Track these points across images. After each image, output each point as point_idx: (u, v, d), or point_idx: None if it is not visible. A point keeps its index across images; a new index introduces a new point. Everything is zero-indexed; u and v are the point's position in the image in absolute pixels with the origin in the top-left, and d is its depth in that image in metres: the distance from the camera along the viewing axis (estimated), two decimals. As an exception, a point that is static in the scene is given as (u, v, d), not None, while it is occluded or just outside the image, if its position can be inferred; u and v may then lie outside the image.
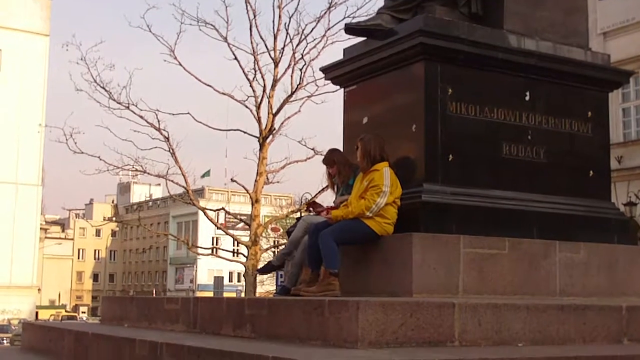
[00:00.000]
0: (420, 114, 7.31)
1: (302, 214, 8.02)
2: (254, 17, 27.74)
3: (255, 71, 27.86)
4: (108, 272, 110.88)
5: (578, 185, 8.03)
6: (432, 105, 7.30)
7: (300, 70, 27.98)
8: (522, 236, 7.24)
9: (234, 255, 34.61)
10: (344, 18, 26.31)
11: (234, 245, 37.35)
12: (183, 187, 28.87)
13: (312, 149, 28.15)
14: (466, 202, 7.23)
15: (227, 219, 46.83)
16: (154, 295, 69.39)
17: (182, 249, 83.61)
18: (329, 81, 9.05)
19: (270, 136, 27.81)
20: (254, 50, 27.78)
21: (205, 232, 77.19)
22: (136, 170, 29.86)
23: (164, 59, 28.36)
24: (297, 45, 27.98)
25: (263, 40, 28.05)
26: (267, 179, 28.31)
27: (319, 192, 27.43)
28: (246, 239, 29.45)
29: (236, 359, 4.78)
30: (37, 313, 56.57)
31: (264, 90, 27.90)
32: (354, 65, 8.12)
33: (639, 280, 7.77)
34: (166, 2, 32.67)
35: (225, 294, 38.76)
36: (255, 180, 27.87)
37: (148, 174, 29.23)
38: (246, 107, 28.02)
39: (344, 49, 8.46)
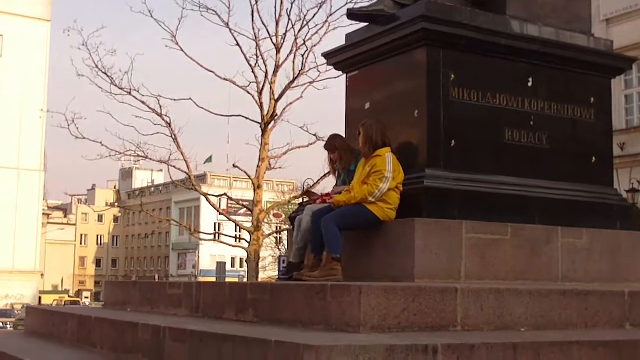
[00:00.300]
0: (423, 100, 7.30)
1: (303, 201, 8.00)
2: (256, 2, 27.71)
3: (257, 57, 27.85)
4: (110, 257, 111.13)
5: (580, 171, 8.03)
6: (435, 91, 7.29)
7: (302, 56, 27.99)
8: (524, 222, 7.24)
9: (236, 241, 34.64)
10: (346, 4, 26.22)
11: (236, 231, 37.40)
12: (185, 172, 28.89)
13: (314, 135, 28.16)
14: (468, 188, 7.23)
15: (229, 205, 46.89)
16: (157, 280, 69.53)
17: (184, 235, 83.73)
18: (331, 67, 9.04)
19: (273, 122, 27.80)
20: (255, 36, 27.76)
21: (208, 218, 77.27)
22: (138, 156, 29.92)
23: (165, 45, 28.36)
24: (299, 31, 27.96)
25: (265, 26, 28.03)
26: (269, 164, 28.32)
27: (321, 178, 27.47)
28: (248, 224, 29.52)
29: (239, 343, 4.79)
30: (40, 298, 56.74)
31: (266, 76, 27.87)
32: (356, 51, 8.11)
33: (641, 266, 7.78)
34: (168, -12, 32.50)
35: (228, 280, 38.85)
36: (258, 166, 27.89)
37: (150, 159, 29.30)
38: (248, 93, 28.03)
39: (346, 35, 8.45)
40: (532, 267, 7.12)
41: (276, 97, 27.77)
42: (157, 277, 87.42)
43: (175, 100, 28.62)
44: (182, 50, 28.18)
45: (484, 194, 7.29)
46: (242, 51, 27.91)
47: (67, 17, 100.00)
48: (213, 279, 46.21)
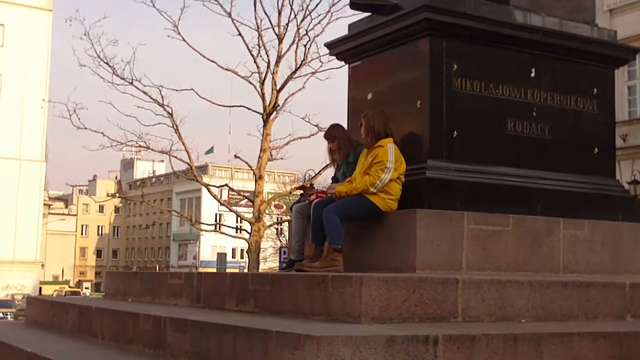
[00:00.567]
0: (425, 90, 7.28)
1: (304, 192, 7.98)
2: (259, -8, 27.58)
3: (260, 47, 27.79)
4: (111, 248, 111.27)
5: (583, 162, 8.01)
6: (437, 81, 7.26)
7: (305, 46, 27.93)
8: (526, 213, 7.22)
9: (237, 232, 34.66)
10: (349, -6, 26.09)
11: (237, 222, 37.36)
12: (186, 163, 28.85)
13: (316, 126, 28.09)
14: (470, 179, 7.22)
15: (230, 196, 46.90)
16: (157, 271, 69.61)
17: (185, 226, 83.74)
18: (334, 57, 9.03)
19: (274, 112, 27.76)
20: (258, 26, 27.68)
21: (209, 208, 77.29)
22: (140, 146, 29.88)
23: (167, 35, 28.30)
24: (301, 21, 27.90)
25: (267, 16, 27.98)
26: (271, 155, 28.29)
27: (323, 168, 27.44)
28: (249, 215, 29.49)
29: (240, 334, 4.79)
30: (40, 288, 56.79)
31: (268, 67, 27.82)
32: (359, 40, 8.08)
33: (643, 258, 7.77)
34: (170, -22, 32.44)
35: (228, 270, 38.90)
36: (259, 157, 27.87)
37: (151, 150, 29.22)
38: (250, 83, 27.98)
39: (348, 25, 8.42)
40: (534, 258, 7.11)
41: (278, 87, 27.74)
42: (157, 267, 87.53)
43: (177, 90, 28.60)
44: (184, 40, 28.13)
45: (486, 185, 7.27)
46: (244, 41, 27.88)
47: (69, 6, 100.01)
48: (213, 270, 46.27)
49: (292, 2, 27.99)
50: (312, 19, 27.89)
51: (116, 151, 34.20)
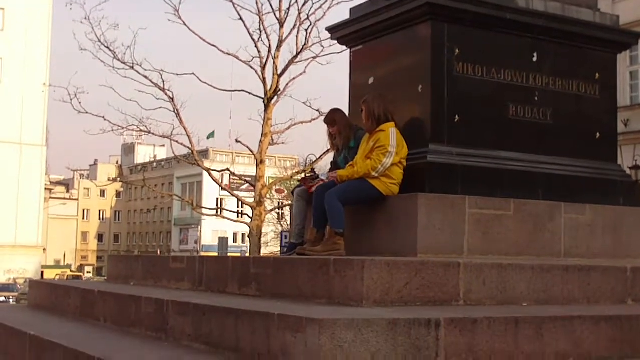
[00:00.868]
0: (427, 75, 7.27)
1: (307, 175, 7.98)
2: (260, -24, 27.49)
3: (261, 32, 27.70)
4: (113, 232, 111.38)
5: (584, 147, 8.01)
6: (439, 65, 7.25)
7: (306, 30, 27.81)
8: (527, 197, 7.23)
9: (238, 216, 34.70)
10: (350, -22, 26.03)
11: (238, 206, 37.38)
12: (188, 147, 28.84)
13: (317, 110, 28.01)
14: (472, 163, 7.22)
15: (231, 180, 46.96)
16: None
17: (186, 210, 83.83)
18: (335, 41, 9.02)
19: (275, 97, 27.71)
20: (259, 11, 27.60)
21: (210, 193, 77.35)
22: (141, 130, 29.85)
23: (168, 19, 28.21)
24: (302, 6, 27.78)
25: (268, 0, 27.82)
26: (272, 140, 28.26)
27: (324, 153, 27.42)
28: (251, 200, 29.51)
29: (242, 317, 4.81)
30: (42, 273, 56.91)
31: (269, 51, 27.74)
32: (360, 25, 8.06)
33: (644, 243, 7.78)
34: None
35: (230, 255, 38.98)
36: (260, 142, 27.84)
37: (153, 134, 29.17)
38: (251, 67, 27.90)
39: (350, 9, 8.39)
40: (535, 242, 7.12)
41: (279, 72, 27.67)
42: (159, 252, 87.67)
43: (178, 74, 28.51)
44: (185, 24, 28.04)
45: (488, 170, 7.28)
46: (245, 26, 27.79)
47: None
48: (215, 255, 46.39)
49: (294, -14, 27.86)
50: (313, 3, 27.75)
51: (117, 136, 34.28)
